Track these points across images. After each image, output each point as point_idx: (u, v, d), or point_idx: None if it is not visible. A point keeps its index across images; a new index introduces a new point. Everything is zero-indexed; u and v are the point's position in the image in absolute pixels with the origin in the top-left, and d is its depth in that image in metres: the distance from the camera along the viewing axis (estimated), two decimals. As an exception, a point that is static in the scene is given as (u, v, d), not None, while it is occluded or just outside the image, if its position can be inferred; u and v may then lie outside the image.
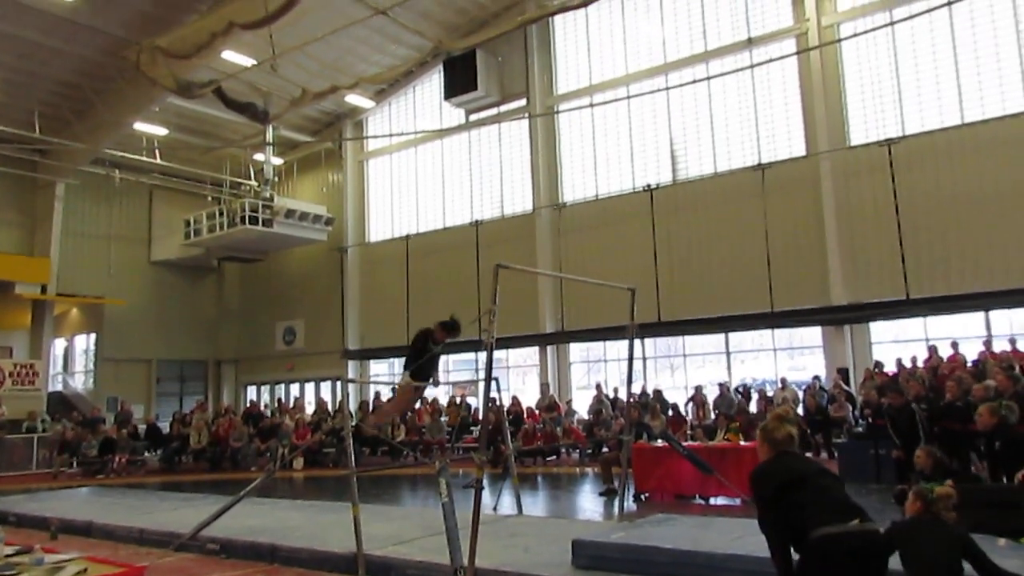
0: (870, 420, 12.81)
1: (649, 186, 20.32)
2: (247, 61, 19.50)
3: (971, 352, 14.63)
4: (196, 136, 24.94)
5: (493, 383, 7.05)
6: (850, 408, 15.37)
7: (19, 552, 7.78)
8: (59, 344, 28.35)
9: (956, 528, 4.16)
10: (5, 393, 21.36)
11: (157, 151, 23.50)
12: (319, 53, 20.65)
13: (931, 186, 16.76)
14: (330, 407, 22.25)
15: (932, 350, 15.10)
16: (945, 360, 14.45)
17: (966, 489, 6.54)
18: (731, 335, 19.81)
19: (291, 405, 22.68)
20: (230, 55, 19.11)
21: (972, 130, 16.45)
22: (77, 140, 21.88)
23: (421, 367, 8.45)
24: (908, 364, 14.77)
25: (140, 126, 22.61)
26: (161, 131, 23.29)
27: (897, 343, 17.38)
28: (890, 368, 15.24)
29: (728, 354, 19.94)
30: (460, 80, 22.57)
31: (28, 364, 22.78)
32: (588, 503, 11.75)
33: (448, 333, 8.44)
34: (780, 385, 17.05)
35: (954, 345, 14.95)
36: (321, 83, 20.05)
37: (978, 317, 16.56)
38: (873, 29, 16.47)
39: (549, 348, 21.80)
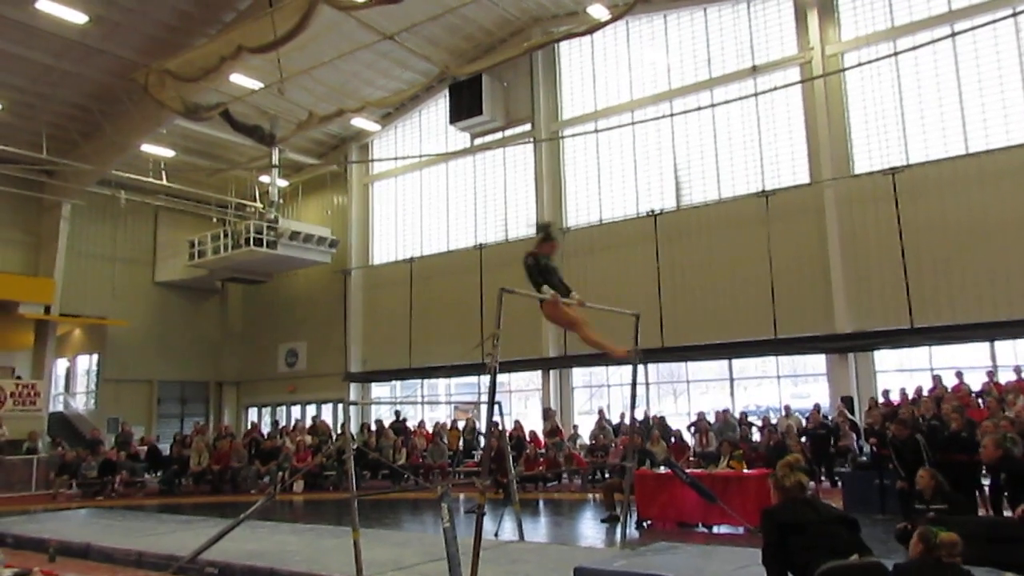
0: (875, 449, 12.72)
1: (653, 212, 20.36)
2: (255, 84, 19.67)
3: (976, 382, 14.57)
4: (202, 158, 25.09)
5: (496, 407, 7.01)
6: (854, 437, 15.27)
7: (17, 574, 7.74)
8: (61, 364, 28.31)
9: (961, 569, 4.08)
10: (6, 413, 21.29)
11: (163, 172, 23.59)
12: (326, 77, 20.84)
13: (935, 215, 16.78)
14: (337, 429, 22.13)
15: (936, 380, 15.03)
16: (950, 390, 14.37)
17: (966, 521, 6.49)
18: (734, 361, 19.75)
19: (292, 427, 22.59)
20: (238, 78, 19.25)
21: (976, 160, 16.49)
22: (84, 161, 22.04)
23: (553, 281, 7.46)
24: (912, 394, 14.69)
25: (147, 148, 22.73)
26: (168, 153, 23.42)
27: (902, 372, 17.32)
28: (896, 398, 15.15)
29: (731, 381, 19.86)
30: (466, 104, 22.72)
31: (30, 384, 22.71)
32: (590, 530, 11.65)
33: (549, 243, 7.52)
34: (784, 413, 16.97)
35: (959, 375, 14.87)
36: (328, 106, 20.22)
37: (983, 347, 16.51)
38: (877, 59, 16.56)
39: (552, 372, 21.74)
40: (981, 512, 8.78)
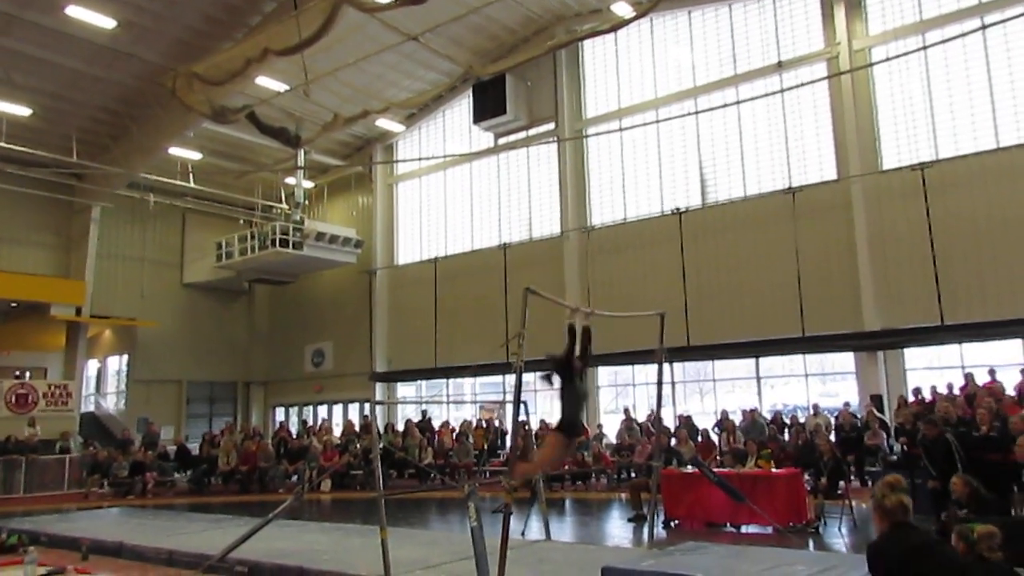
0: (905, 448, 12.55)
1: (678, 209, 20.24)
2: (280, 87, 19.81)
3: (1009, 380, 14.31)
4: (229, 160, 25.32)
5: (521, 406, 7.00)
6: (884, 436, 15.07)
7: (51, 573, 7.88)
8: (92, 365, 28.74)
9: (1003, 566, 4.01)
10: (39, 413, 21.64)
11: (191, 175, 23.84)
12: (351, 78, 20.94)
13: (966, 210, 16.51)
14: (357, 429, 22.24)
15: (968, 377, 14.78)
16: (982, 387, 14.13)
17: (999, 523, 6.37)
18: (761, 360, 19.57)
19: (319, 427, 22.74)
20: (264, 81, 19.41)
21: (1008, 154, 16.20)
22: (113, 165, 22.31)
23: (572, 416, 6.92)
24: (943, 391, 14.46)
25: (175, 151, 22.97)
26: (195, 155, 23.64)
27: (932, 369, 17.06)
28: (927, 396, 14.92)
29: (758, 379, 19.68)
30: (489, 104, 22.72)
31: (62, 385, 23.06)
32: (617, 529, 11.62)
33: (584, 361, 7.13)
34: (812, 411, 16.80)
35: (991, 372, 14.62)
36: (352, 108, 20.32)
37: (1016, 344, 16.21)
38: (905, 53, 16.32)
39: (577, 372, 21.62)
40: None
